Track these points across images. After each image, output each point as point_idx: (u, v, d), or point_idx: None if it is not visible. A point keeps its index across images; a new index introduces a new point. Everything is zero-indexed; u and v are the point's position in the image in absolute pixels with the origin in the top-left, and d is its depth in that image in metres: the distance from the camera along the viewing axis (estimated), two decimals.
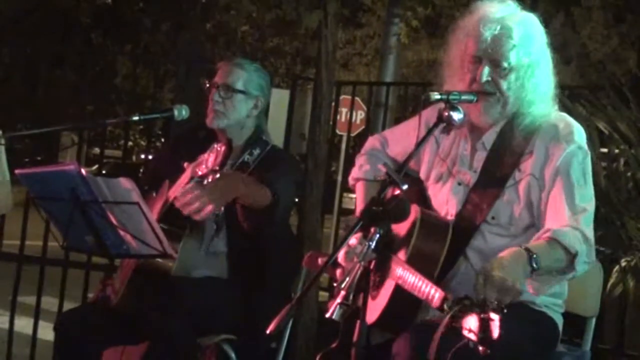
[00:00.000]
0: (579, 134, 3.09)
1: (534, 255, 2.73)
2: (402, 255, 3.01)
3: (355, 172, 3.52)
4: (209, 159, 3.51)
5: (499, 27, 3.05)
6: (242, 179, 3.68)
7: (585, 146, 3.09)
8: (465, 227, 3.08)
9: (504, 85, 3.07)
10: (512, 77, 3.07)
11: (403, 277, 2.88)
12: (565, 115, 3.17)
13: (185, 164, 3.72)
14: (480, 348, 2.37)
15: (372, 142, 3.56)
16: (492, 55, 3.06)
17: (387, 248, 2.99)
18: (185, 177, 3.70)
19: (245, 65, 4.03)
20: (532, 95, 3.10)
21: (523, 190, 3.05)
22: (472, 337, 2.37)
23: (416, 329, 2.88)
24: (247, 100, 3.98)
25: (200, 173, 3.56)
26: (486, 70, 3.06)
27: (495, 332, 2.36)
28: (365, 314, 2.68)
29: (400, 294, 2.91)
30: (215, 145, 3.52)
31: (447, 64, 3.21)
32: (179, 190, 3.61)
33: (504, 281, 2.60)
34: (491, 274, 2.61)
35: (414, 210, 3.05)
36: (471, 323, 2.38)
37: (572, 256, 2.82)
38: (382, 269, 3.00)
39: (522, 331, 2.99)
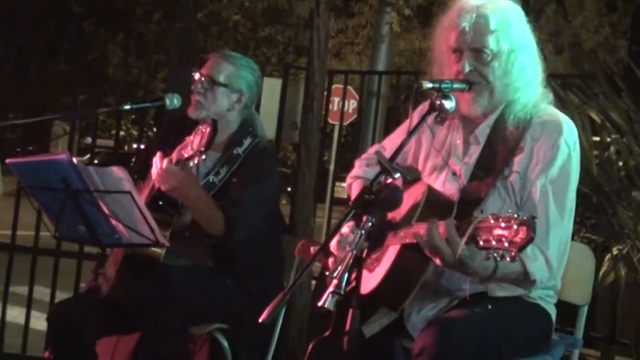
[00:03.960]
0: (568, 131, 3.07)
1: (496, 265, 2.81)
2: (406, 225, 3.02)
3: (353, 172, 3.54)
4: (194, 141, 3.50)
5: (474, 16, 3.06)
6: (196, 197, 3.71)
7: (573, 144, 3.08)
8: (459, 216, 3.08)
9: (488, 73, 3.08)
10: (495, 64, 3.07)
11: (409, 234, 2.90)
12: (554, 110, 3.16)
13: (159, 154, 3.71)
14: (512, 253, 2.43)
15: (371, 150, 3.60)
16: (471, 44, 3.07)
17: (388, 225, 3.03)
18: (167, 162, 3.68)
19: (233, 58, 4.01)
20: (519, 81, 3.10)
21: (511, 186, 3.05)
22: (504, 245, 2.44)
23: (439, 323, 2.90)
24: (230, 94, 3.96)
25: (186, 155, 3.55)
26: (468, 60, 3.07)
27: (524, 234, 2.42)
28: (357, 302, 2.68)
29: (404, 256, 2.93)
30: (200, 127, 3.50)
31: (434, 61, 3.22)
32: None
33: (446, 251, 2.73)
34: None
35: (422, 184, 3.07)
36: (500, 232, 2.46)
37: (531, 281, 2.94)
38: (383, 239, 3.02)
39: (517, 323, 3.01)
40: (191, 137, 3.53)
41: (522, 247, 2.42)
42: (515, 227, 2.44)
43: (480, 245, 2.51)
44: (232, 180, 3.85)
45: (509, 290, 3.03)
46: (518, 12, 3.16)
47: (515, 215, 2.46)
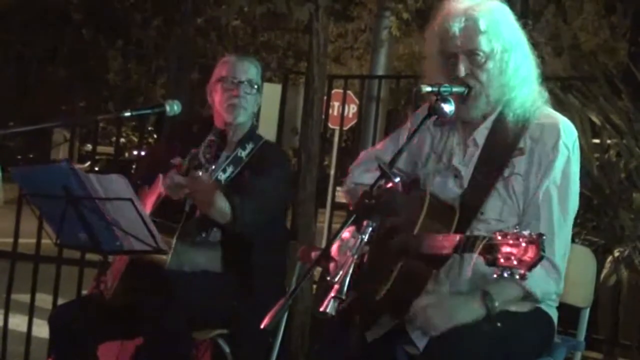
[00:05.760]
0: (566, 133, 3.08)
1: (491, 297, 2.88)
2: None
3: (350, 178, 3.53)
4: (204, 152, 3.53)
5: (464, 19, 3.06)
6: (212, 195, 3.75)
7: (572, 145, 3.08)
8: (460, 222, 3.08)
9: (483, 75, 3.07)
10: (490, 65, 3.07)
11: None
12: (552, 112, 3.16)
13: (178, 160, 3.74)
14: (521, 272, 2.42)
15: (364, 154, 3.59)
16: (464, 47, 3.07)
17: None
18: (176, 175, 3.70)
19: (255, 61, 4.14)
20: (514, 79, 3.10)
21: (512, 187, 3.05)
22: (513, 263, 2.43)
23: (449, 331, 2.88)
24: (258, 96, 4.11)
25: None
26: (463, 64, 3.07)
27: (534, 252, 2.41)
28: (359, 307, 2.68)
29: (407, 265, 2.93)
30: (209, 138, 3.53)
31: (428, 65, 3.23)
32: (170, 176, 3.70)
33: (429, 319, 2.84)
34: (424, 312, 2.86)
35: (423, 191, 3.08)
36: (508, 250, 2.45)
37: (536, 298, 2.98)
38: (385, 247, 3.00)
39: (520, 328, 3.00)
40: (201, 148, 3.55)
41: (532, 267, 2.42)
42: (523, 245, 2.43)
43: (489, 262, 2.51)
44: (243, 176, 3.92)
45: (520, 306, 3.03)
46: (505, 11, 3.16)
47: (525, 233, 2.45)
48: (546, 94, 3.19)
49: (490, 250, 2.50)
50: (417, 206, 3.02)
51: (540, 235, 2.43)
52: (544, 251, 2.41)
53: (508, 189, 3.05)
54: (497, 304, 2.87)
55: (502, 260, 2.46)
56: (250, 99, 4.03)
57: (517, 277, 2.44)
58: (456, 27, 3.06)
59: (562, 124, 3.09)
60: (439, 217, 2.97)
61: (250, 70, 4.05)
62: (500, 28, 3.08)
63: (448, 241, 2.78)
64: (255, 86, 4.05)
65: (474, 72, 3.08)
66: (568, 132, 3.08)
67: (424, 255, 2.86)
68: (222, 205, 3.78)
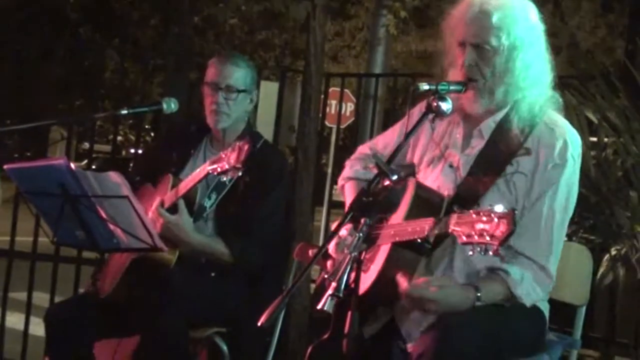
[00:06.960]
0: (574, 144, 3.08)
1: (479, 295, 2.92)
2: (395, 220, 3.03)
3: (345, 173, 3.53)
4: (231, 157, 3.47)
5: (477, 11, 3.07)
6: (188, 241, 3.77)
7: (577, 155, 3.09)
8: (449, 211, 3.08)
9: (487, 70, 3.07)
10: (496, 61, 3.06)
11: (398, 232, 2.91)
12: (559, 118, 3.15)
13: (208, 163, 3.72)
14: (494, 247, 2.45)
15: (361, 148, 3.58)
16: (472, 39, 3.07)
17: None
18: (201, 171, 3.68)
19: (240, 62, 4.05)
20: (523, 80, 3.09)
21: (514, 185, 3.05)
22: (486, 239, 2.46)
23: (438, 326, 2.89)
24: (247, 97, 4.03)
25: (219, 170, 3.52)
26: (469, 54, 3.07)
27: (505, 227, 2.44)
28: (356, 304, 2.68)
29: (396, 254, 2.94)
30: (237, 143, 3.49)
31: (444, 54, 3.22)
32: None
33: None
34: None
35: (411, 182, 3.07)
36: (481, 227, 2.48)
37: (523, 302, 3.01)
38: (375, 239, 3.01)
39: (514, 324, 3.01)
40: (228, 152, 3.51)
41: (503, 241, 2.44)
42: (496, 220, 2.45)
43: (463, 241, 2.52)
44: (242, 181, 3.87)
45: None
46: (527, 9, 3.14)
47: (496, 209, 2.47)
48: (560, 101, 3.18)
49: (464, 228, 2.51)
50: (404, 196, 3.02)
51: (513, 210, 2.46)
52: (514, 225, 2.42)
53: (509, 185, 3.05)
54: (480, 294, 2.92)
55: (476, 237, 2.48)
56: (232, 104, 3.96)
57: (491, 253, 2.46)
58: (468, 17, 3.07)
59: (568, 134, 3.09)
60: (425, 207, 2.97)
61: (234, 74, 3.97)
62: (512, 25, 3.06)
63: (427, 223, 2.78)
64: (240, 89, 3.97)
65: (478, 65, 3.07)
66: (575, 142, 3.09)
67: (408, 241, 2.86)
68: (212, 250, 3.83)
